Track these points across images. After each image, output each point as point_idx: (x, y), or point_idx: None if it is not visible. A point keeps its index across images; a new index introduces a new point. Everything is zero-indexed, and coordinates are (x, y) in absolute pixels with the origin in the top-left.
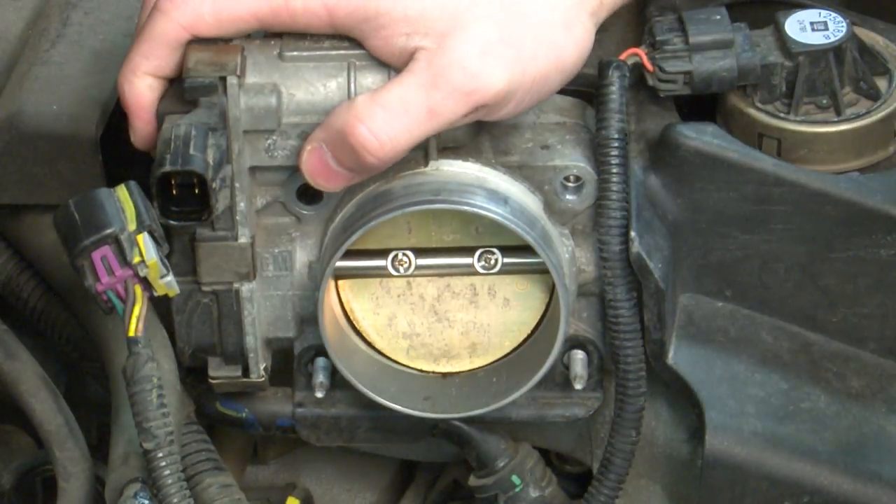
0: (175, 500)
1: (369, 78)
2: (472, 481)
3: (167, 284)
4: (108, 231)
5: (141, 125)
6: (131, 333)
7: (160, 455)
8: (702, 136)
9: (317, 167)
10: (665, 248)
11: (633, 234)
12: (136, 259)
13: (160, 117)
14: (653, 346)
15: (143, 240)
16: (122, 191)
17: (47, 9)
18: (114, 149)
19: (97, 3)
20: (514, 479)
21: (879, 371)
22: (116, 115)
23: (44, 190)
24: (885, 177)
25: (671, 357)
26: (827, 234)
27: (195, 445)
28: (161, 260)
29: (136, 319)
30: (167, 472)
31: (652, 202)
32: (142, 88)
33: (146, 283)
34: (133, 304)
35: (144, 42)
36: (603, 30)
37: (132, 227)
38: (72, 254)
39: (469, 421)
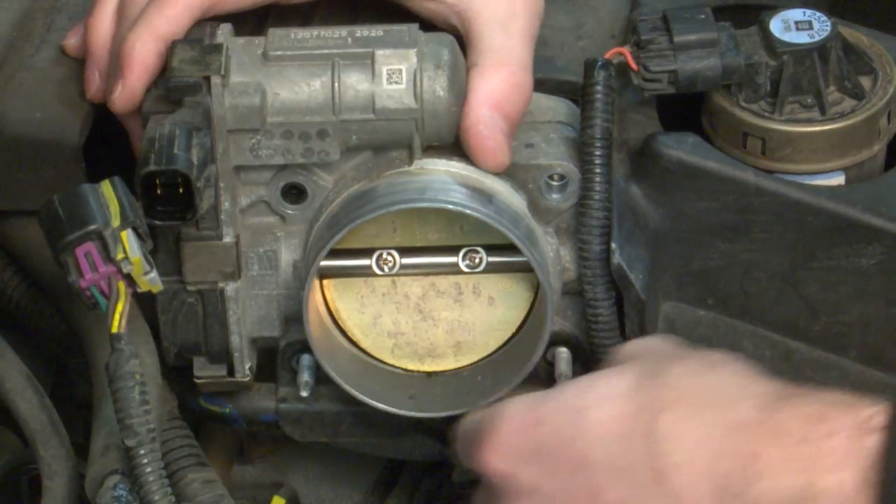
0: (157, 498)
1: (353, 76)
2: (456, 476)
3: (150, 281)
4: (92, 227)
5: (139, 85)
6: (114, 329)
7: (142, 452)
8: (682, 147)
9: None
10: (646, 258)
11: (613, 244)
12: (120, 255)
13: (144, 117)
14: None
15: (127, 236)
16: (106, 186)
17: (32, 12)
18: (97, 155)
19: (82, 8)
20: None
21: (861, 379)
22: (100, 121)
23: (27, 196)
24: (865, 187)
25: None
26: (808, 243)
27: (178, 441)
28: (144, 256)
29: (119, 316)
30: (149, 468)
31: (633, 211)
32: (153, 50)
33: (130, 280)
34: (116, 301)
35: (169, 6)
36: (587, 37)
37: (116, 223)
38: (55, 249)
39: (452, 417)
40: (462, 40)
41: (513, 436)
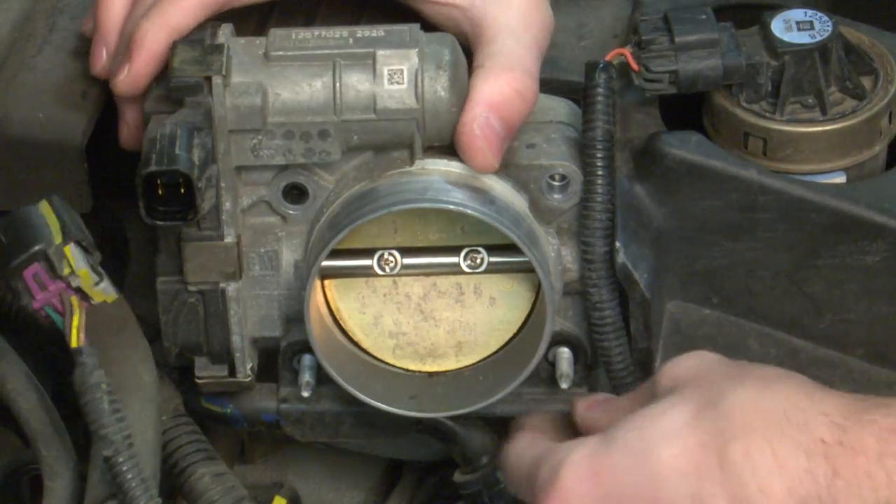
0: (141, 503)
1: (354, 76)
2: (457, 477)
3: (103, 291)
4: (36, 248)
5: (145, 72)
6: (73, 344)
7: (120, 460)
8: (686, 145)
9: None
10: (650, 257)
11: (618, 244)
12: (67, 271)
13: (146, 117)
14: (640, 354)
15: (70, 250)
16: (44, 206)
17: (34, 13)
18: (101, 155)
19: (84, 9)
20: (499, 475)
21: (867, 377)
22: (104, 122)
23: (29, 197)
24: (869, 184)
25: (659, 365)
26: (812, 241)
27: (185, 437)
28: (92, 267)
29: (77, 329)
30: (129, 475)
31: (637, 210)
32: (164, 40)
33: (82, 293)
34: (71, 316)
35: None
36: (589, 37)
37: (58, 240)
38: (3, 277)
39: (454, 417)
40: (469, 47)
41: (577, 488)
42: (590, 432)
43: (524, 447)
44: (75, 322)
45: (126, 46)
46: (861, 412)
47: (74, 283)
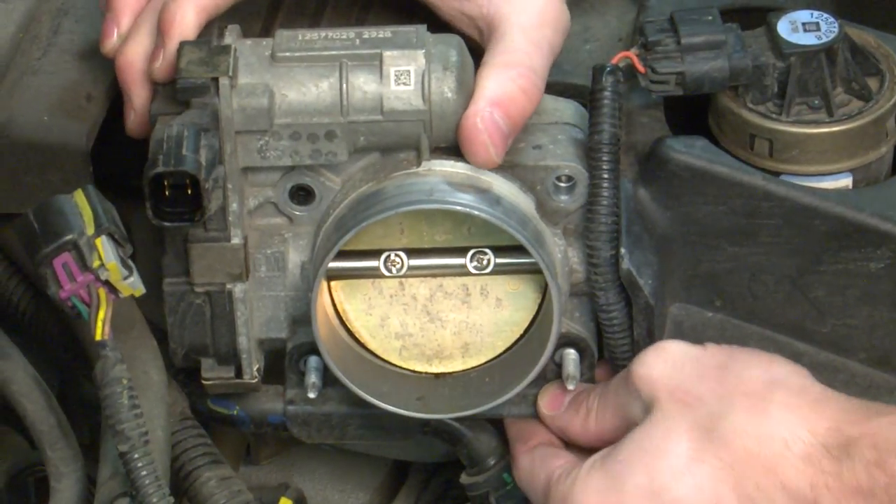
0: (154, 500)
1: (361, 78)
2: (464, 479)
3: (131, 285)
4: (67, 237)
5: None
6: (98, 337)
7: (136, 456)
8: (691, 151)
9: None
10: (654, 263)
11: (622, 250)
12: (97, 263)
13: (152, 118)
14: None
15: (102, 243)
16: (79, 196)
17: (38, 14)
18: (106, 157)
19: (89, 11)
20: (506, 476)
21: (868, 382)
22: (109, 125)
23: (34, 199)
24: (873, 191)
25: None
26: (816, 247)
27: (192, 441)
28: (122, 261)
29: (102, 322)
30: (144, 472)
31: (641, 215)
32: (194, 22)
33: (110, 286)
34: (98, 308)
35: None
36: (594, 40)
37: (90, 231)
38: (34, 263)
39: (460, 418)
40: (481, 45)
41: None
42: (564, 435)
43: (536, 463)
44: (101, 315)
45: (158, 31)
46: (851, 445)
47: (103, 276)
